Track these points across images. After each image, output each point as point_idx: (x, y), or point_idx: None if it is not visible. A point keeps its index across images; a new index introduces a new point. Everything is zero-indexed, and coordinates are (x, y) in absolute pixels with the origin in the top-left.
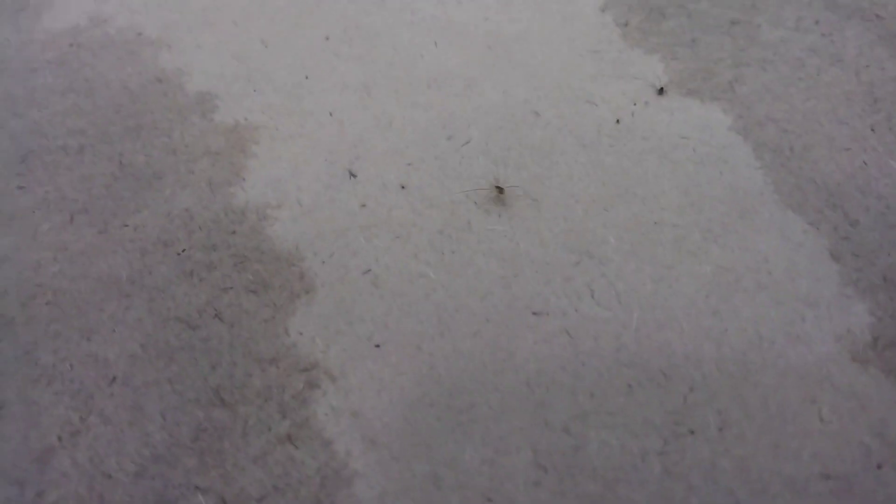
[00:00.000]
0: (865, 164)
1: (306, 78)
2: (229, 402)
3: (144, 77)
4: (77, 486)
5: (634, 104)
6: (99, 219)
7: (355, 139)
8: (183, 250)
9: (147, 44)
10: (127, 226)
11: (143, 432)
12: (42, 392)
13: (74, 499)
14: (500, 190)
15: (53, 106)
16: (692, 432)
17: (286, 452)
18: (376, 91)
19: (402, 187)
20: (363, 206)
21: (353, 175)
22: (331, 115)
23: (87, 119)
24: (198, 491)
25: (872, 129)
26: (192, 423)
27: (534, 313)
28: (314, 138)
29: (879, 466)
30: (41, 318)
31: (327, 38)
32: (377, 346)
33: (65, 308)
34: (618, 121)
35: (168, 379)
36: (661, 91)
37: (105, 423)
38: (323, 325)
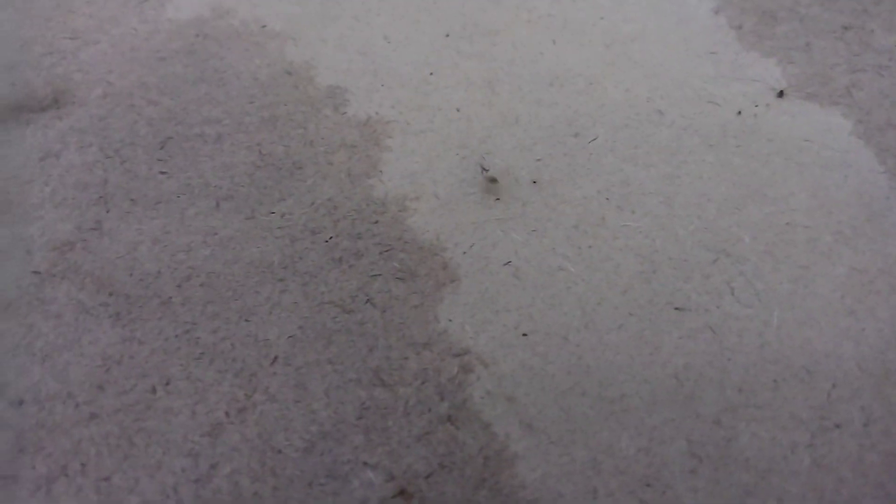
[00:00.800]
0: None
1: (431, 74)
2: (389, 382)
3: (274, 69)
4: (249, 459)
5: (756, 106)
6: (245, 205)
7: (484, 135)
8: (330, 238)
9: (272, 36)
10: (273, 213)
11: (309, 410)
12: (205, 369)
13: (247, 472)
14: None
15: (186, 94)
16: (838, 427)
17: (448, 432)
18: (500, 88)
19: (534, 182)
20: (498, 199)
21: (484, 170)
22: (458, 111)
23: (221, 108)
24: (366, 467)
25: None
26: (356, 402)
27: (676, 309)
28: (444, 133)
29: None
30: (197, 299)
31: (447, 35)
32: (524, 335)
33: (220, 290)
34: (739, 112)
35: (328, 360)
36: (780, 94)
37: (270, 400)
38: (470, 313)
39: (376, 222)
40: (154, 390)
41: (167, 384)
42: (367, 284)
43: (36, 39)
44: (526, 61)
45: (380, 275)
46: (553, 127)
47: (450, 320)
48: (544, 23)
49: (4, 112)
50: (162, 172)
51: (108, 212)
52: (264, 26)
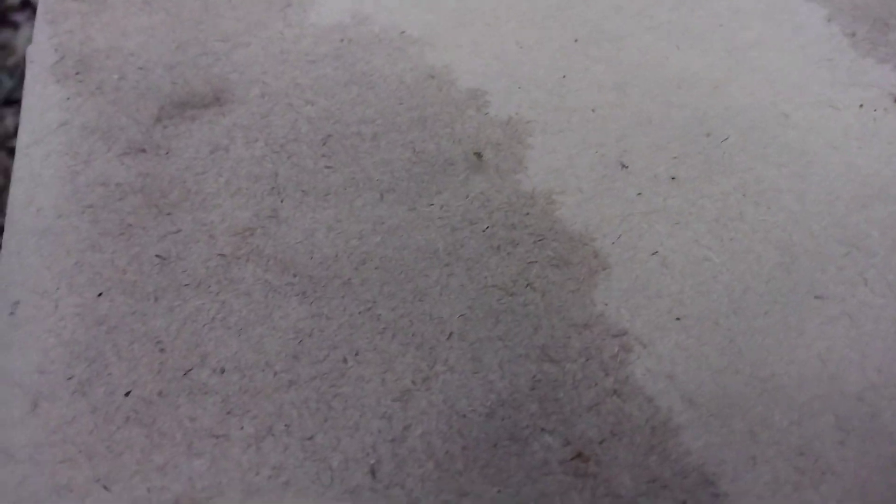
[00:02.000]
0: None
1: (563, 77)
2: (556, 358)
3: (417, 73)
4: (437, 422)
5: (874, 110)
6: (406, 198)
7: (619, 134)
8: (487, 227)
9: (411, 42)
10: (433, 205)
11: (486, 380)
12: (389, 342)
13: (437, 433)
14: None
15: (339, 96)
16: None
17: (615, 404)
18: (630, 90)
19: (673, 178)
20: (639, 194)
21: (624, 166)
22: (593, 111)
23: (373, 109)
24: (544, 432)
25: None
26: (527, 374)
27: (816, 297)
28: (581, 133)
29: None
30: (374, 280)
31: (576, 41)
32: (678, 319)
33: (393, 273)
34: (859, 116)
35: (498, 336)
36: None
37: (450, 371)
38: (624, 298)
39: (527, 214)
40: (345, 360)
41: (356, 355)
42: (525, 270)
43: (190, 42)
44: (652, 65)
45: (536, 262)
46: (685, 127)
47: (606, 304)
48: (666, 29)
49: (171, 109)
50: (327, 167)
51: (282, 202)
52: (403, 32)
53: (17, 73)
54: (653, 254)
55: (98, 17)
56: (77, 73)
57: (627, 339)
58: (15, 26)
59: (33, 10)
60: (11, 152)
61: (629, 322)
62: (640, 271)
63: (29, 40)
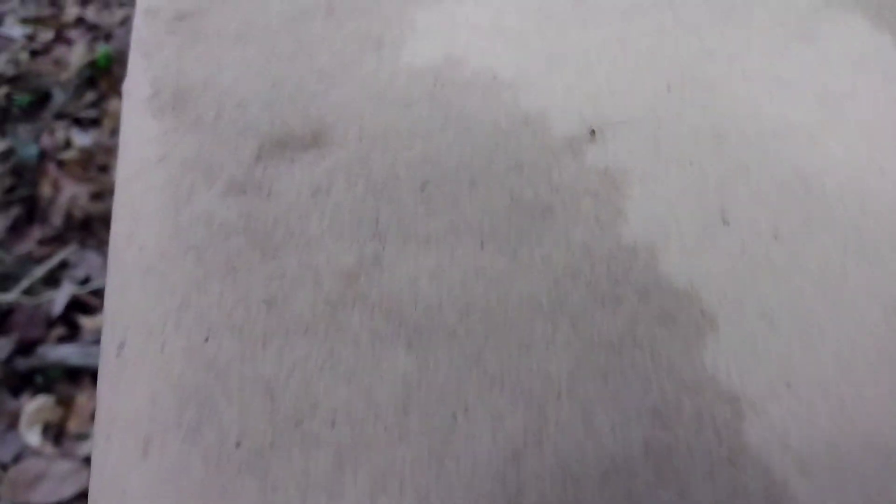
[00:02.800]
0: None
1: (658, 127)
2: (668, 423)
3: (511, 118)
4: (551, 485)
5: None
6: (506, 247)
7: (718, 185)
8: (589, 282)
9: (504, 86)
10: (534, 255)
11: (598, 443)
12: (497, 398)
13: (552, 496)
14: None
15: (436, 140)
16: None
17: (730, 473)
18: (726, 140)
19: (775, 237)
20: (742, 252)
21: (725, 220)
22: (690, 162)
23: (470, 154)
24: (660, 502)
25: None
26: (640, 438)
27: None
28: (681, 183)
29: None
30: (479, 331)
31: (669, 89)
32: (788, 385)
33: (497, 324)
34: None
35: (608, 397)
36: None
37: (561, 432)
38: (733, 360)
39: (630, 268)
40: (455, 416)
41: (466, 410)
42: (631, 327)
43: (284, 79)
44: (747, 114)
45: (641, 320)
46: (783, 179)
47: (715, 366)
48: (758, 78)
49: (270, 148)
50: (427, 212)
51: (384, 248)
52: (495, 77)
53: (71, 88)
54: (759, 313)
55: (192, 49)
56: (173, 108)
57: (739, 405)
58: (69, 42)
59: (87, 26)
60: (60, 164)
61: (740, 386)
62: (747, 331)
63: (84, 55)
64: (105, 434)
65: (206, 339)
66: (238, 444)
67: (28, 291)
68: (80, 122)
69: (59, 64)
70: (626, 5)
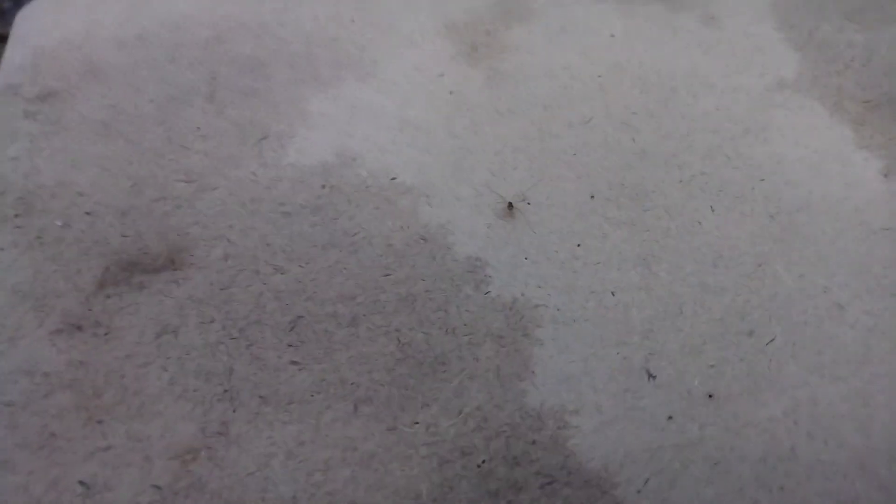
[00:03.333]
0: None
1: (578, 246)
2: None
3: (408, 234)
4: None
5: None
6: (385, 412)
7: (644, 328)
8: (483, 462)
9: (403, 191)
10: (417, 423)
11: None
12: None
13: None
14: None
15: (316, 262)
16: None
17: None
18: (657, 266)
19: (710, 396)
20: (670, 418)
21: (651, 376)
22: (613, 294)
23: (354, 282)
24: None
25: None
26: None
27: None
28: (599, 325)
29: None
30: None
31: (592, 197)
32: None
33: None
34: None
35: None
36: None
37: None
38: None
39: (533, 442)
40: None
41: None
42: None
43: (147, 180)
44: (683, 232)
45: None
46: (723, 321)
47: None
48: (698, 183)
49: (117, 271)
50: (293, 362)
51: (234, 411)
52: (394, 178)
53: None
54: None
55: (49, 140)
56: (16, 216)
57: None
58: None
59: None
60: None
61: None
62: None
63: None
64: None
65: None
66: None
67: None
68: None
69: None
70: (548, 92)
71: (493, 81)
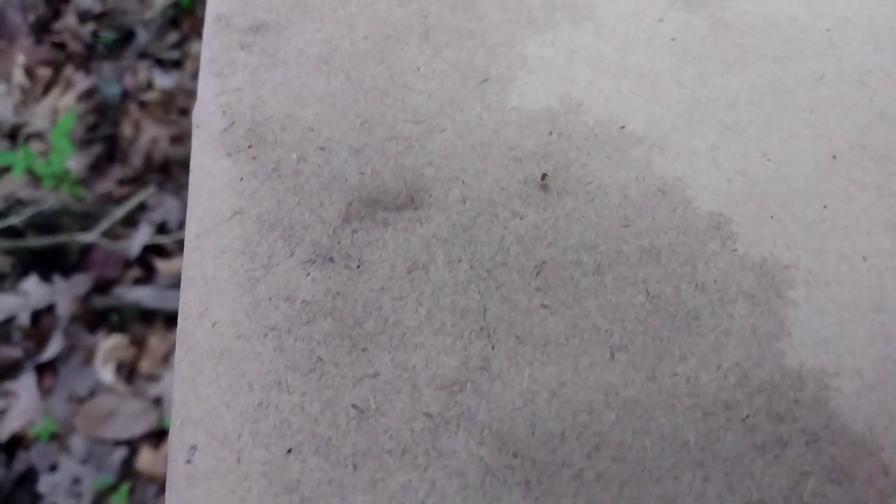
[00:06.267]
0: None
1: (824, 208)
2: None
3: (644, 185)
4: None
5: None
6: (642, 361)
7: None
8: (747, 416)
9: (634, 142)
10: (677, 375)
11: None
12: None
13: None
14: None
15: (553, 209)
16: None
17: None
18: None
19: None
20: None
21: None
22: (864, 260)
23: (594, 231)
24: None
25: None
26: None
27: None
28: (854, 290)
29: None
30: (611, 475)
31: (834, 158)
32: None
33: (634, 468)
34: None
35: None
36: None
37: None
38: None
39: (796, 401)
40: None
41: None
42: (798, 483)
43: (376, 118)
44: None
45: (811, 472)
46: None
47: None
48: None
49: (360, 207)
50: (543, 306)
51: (493, 348)
52: (623, 127)
53: (154, 27)
54: None
55: (269, 73)
56: (250, 147)
57: None
58: None
59: None
60: (142, 105)
61: None
62: None
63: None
64: None
65: (289, 453)
66: None
67: (106, 232)
68: (162, 63)
69: (144, 2)
70: (776, 45)
71: (716, 30)
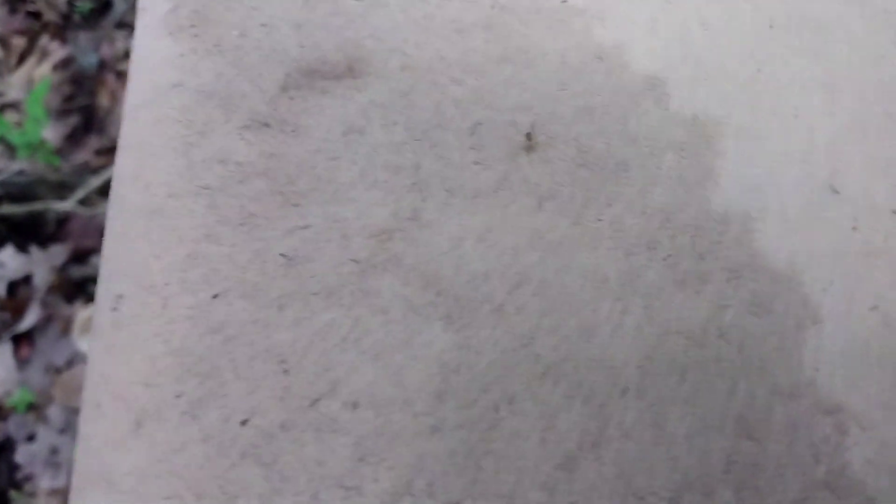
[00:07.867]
0: None
1: (759, 71)
2: (755, 435)
3: (582, 52)
4: (609, 501)
5: None
6: (569, 208)
7: (827, 148)
8: (668, 255)
9: (575, 13)
10: (601, 220)
11: (670, 455)
12: (551, 391)
13: None
14: None
15: (491, 75)
16: None
17: (827, 501)
18: (840, 93)
19: (894, 212)
20: (854, 228)
21: (835, 191)
22: (796, 116)
23: (530, 94)
24: None
25: None
26: (720, 452)
27: None
28: (783, 142)
29: None
30: (531, 308)
31: (771, 27)
32: None
33: (554, 302)
34: None
35: (684, 399)
36: None
37: (625, 437)
38: (838, 363)
39: (719, 242)
40: (497, 408)
41: (511, 403)
42: (716, 315)
43: None
44: (865, 64)
45: (730, 305)
46: None
47: (816, 369)
48: (881, 19)
49: (298, 77)
50: (476, 162)
51: (423, 201)
52: (565, 1)
53: None
54: (872, 308)
55: None
56: (192, 26)
57: (842, 417)
58: None
59: None
60: (120, 75)
61: (844, 395)
62: (857, 330)
63: None
64: (94, 402)
65: (215, 297)
66: (244, 423)
67: (83, 201)
68: None
69: None
70: None
71: None
